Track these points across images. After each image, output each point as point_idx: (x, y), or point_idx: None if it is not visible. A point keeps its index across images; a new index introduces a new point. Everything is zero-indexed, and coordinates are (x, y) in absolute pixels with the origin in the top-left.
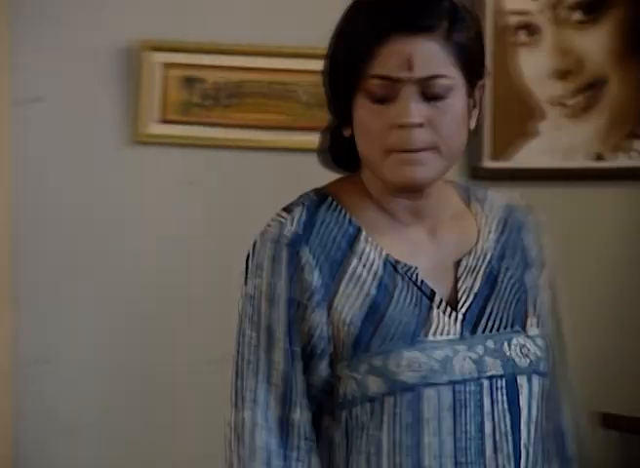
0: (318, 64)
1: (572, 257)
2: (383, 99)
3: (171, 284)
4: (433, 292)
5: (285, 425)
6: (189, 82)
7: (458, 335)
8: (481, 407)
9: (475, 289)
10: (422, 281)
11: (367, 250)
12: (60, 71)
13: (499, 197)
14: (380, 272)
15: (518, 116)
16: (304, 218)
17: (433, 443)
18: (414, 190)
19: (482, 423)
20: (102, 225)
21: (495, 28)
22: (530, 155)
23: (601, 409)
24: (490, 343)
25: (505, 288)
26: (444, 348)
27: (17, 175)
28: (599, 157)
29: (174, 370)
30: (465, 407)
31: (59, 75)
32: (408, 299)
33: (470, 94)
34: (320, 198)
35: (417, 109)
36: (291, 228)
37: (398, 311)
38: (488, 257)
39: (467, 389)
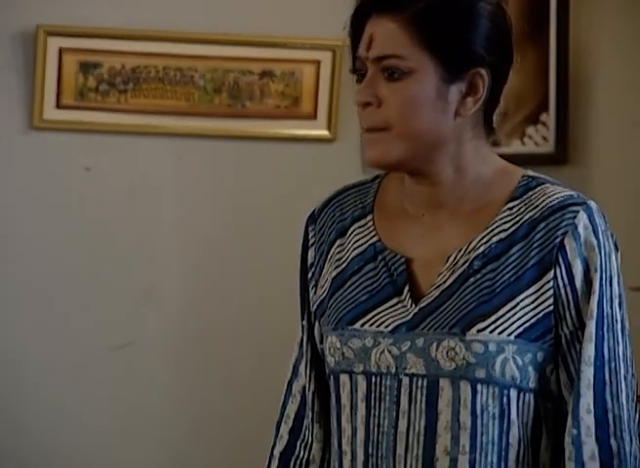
0: (216, 50)
1: None
2: (362, 79)
3: (65, 271)
4: (405, 284)
5: (288, 392)
6: (85, 67)
7: (390, 328)
8: (397, 403)
9: (446, 284)
10: (403, 272)
11: (359, 232)
12: None
13: (552, 195)
14: (358, 255)
15: None
16: (330, 196)
17: (347, 429)
18: (387, 170)
19: (397, 420)
20: None
21: None
22: None
23: None
24: (419, 341)
25: (474, 288)
26: (365, 338)
27: None
28: (494, 143)
29: (73, 358)
30: (380, 400)
31: None
32: (367, 286)
33: (450, 80)
34: (372, 179)
35: (365, 88)
36: (319, 205)
37: (348, 296)
38: (474, 254)
39: (384, 382)
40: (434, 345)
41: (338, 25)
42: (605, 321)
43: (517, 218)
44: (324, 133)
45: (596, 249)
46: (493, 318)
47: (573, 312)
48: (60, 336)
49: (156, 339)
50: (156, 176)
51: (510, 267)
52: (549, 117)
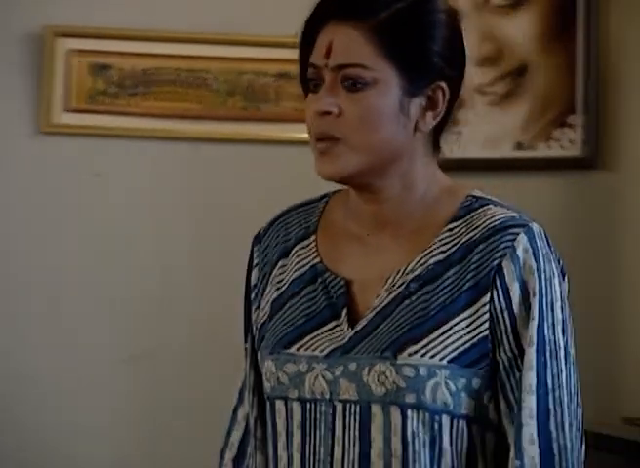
0: (230, 50)
1: None
2: (316, 89)
3: (74, 278)
4: (344, 307)
5: (234, 419)
6: (95, 69)
7: (325, 352)
8: (332, 430)
9: (381, 307)
10: (342, 294)
11: (302, 253)
12: None
13: (493, 216)
14: (299, 277)
15: None
16: (276, 215)
17: (283, 457)
18: (340, 182)
19: (332, 447)
20: (3, 225)
21: None
22: (451, 145)
23: None
24: (352, 366)
25: (409, 310)
26: (300, 363)
27: None
28: (520, 146)
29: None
30: (316, 427)
31: None
32: (306, 309)
33: (412, 94)
34: (320, 197)
35: (325, 97)
36: (265, 224)
37: (286, 319)
38: (411, 276)
39: (319, 409)
40: (366, 370)
41: None
42: (547, 347)
43: (456, 240)
44: None
45: (535, 273)
46: (425, 341)
47: (511, 338)
48: (72, 345)
49: (175, 348)
50: (168, 182)
51: (446, 290)
52: (577, 119)
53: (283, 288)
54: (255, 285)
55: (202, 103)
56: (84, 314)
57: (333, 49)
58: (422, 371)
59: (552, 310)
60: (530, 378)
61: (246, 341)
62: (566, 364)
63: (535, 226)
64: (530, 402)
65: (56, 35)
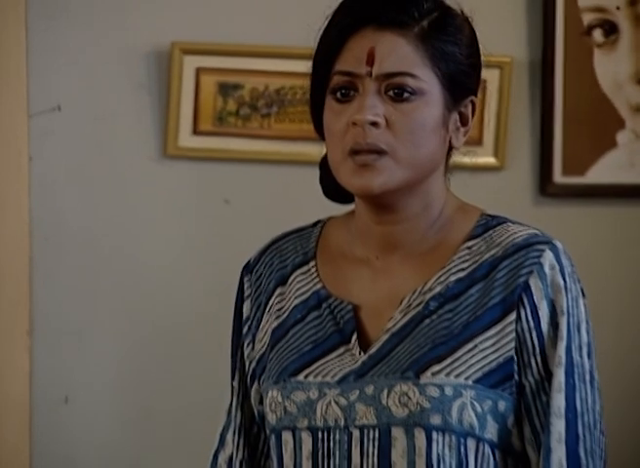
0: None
1: None
2: (347, 98)
3: (201, 309)
4: (353, 332)
5: (214, 463)
6: (224, 88)
7: (337, 378)
8: (349, 458)
9: (397, 327)
10: (350, 319)
11: (302, 280)
12: (82, 77)
13: (515, 233)
14: (301, 303)
15: (593, 126)
16: (267, 243)
17: None
18: (372, 198)
19: None
20: (127, 250)
21: (565, 28)
22: (606, 169)
23: None
24: (369, 389)
25: (430, 329)
26: (310, 390)
27: (34, 192)
28: None
29: (197, 409)
30: (329, 457)
31: (79, 82)
32: (312, 335)
33: (451, 107)
34: (313, 224)
35: (373, 107)
36: (255, 254)
37: (290, 346)
38: (430, 295)
39: (333, 437)
40: (385, 391)
41: (505, 41)
42: (575, 369)
43: (477, 257)
44: (491, 160)
45: (563, 291)
46: (449, 360)
47: (538, 359)
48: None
49: None
50: (304, 209)
51: (470, 307)
52: None
53: (284, 316)
54: (248, 317)
55: None
56: (212, 347)
57: (377, 56)
58: (448, 391)
59: (579, 331)
60: (559, 401)
61: (233, 379)
62: (592, 389)
63: (558, 243)
64: (559, 426)
65: (183, 52)
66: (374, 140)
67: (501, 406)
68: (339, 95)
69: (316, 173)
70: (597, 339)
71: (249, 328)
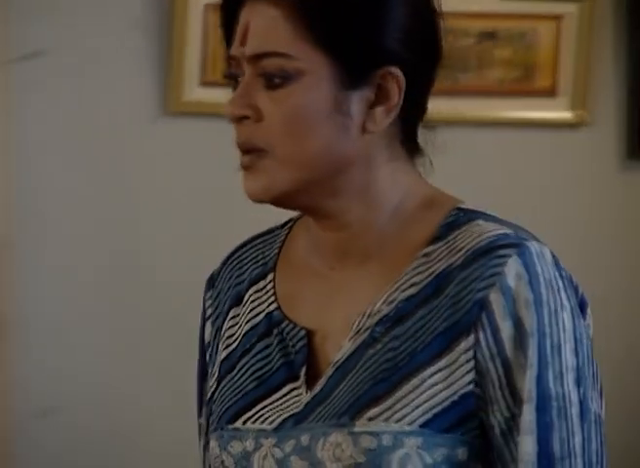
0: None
1: None
2: (237, 85)
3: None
4: (302, 365)
5: None
6: None
7: (275, 424)
8: None
9: (342, 360)
10: (302, 348)
11: (257, 298)
12: (72, 20)
13: (479, 235)
14: (251, 329)
15: None
16: (231, 251)
17: None
18: (276, 205)
19: None
20: (123, 226)
21: None
22: None
23: None
24: (305, 438)
25: (373, 362)
26: (247, 440)
27: (18, 156)
28: None
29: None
30: None
31: (69, 24)
32: (258, 370)
33: (350, 85)
34: (282, 224)
35: (241, 97)
36: (218, 265)
37: (235, 384)
38: (376, 319)
39: None
40: (320, 442)
41: None
42: (552, 403)
43: (434, 268)
44: (567, 115)
45: (532, 306)
46: (390, 401)
47: (506, 392)
48: None
49: None
50: None
51: (418, 333)
52: None
53: (233, 345)
54: (209, 343)
55: None
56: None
57: (248, 34)
58: (386, 441)
59: (559, 354)
60: (527, 445)
61: (200, 416)
62: (582, 424)
63: (533, 245)
64: None
65: None
66: (247, 138)
67: (462, 453)
68: (232, 82)
69: None
70: None
71: (210, 355)
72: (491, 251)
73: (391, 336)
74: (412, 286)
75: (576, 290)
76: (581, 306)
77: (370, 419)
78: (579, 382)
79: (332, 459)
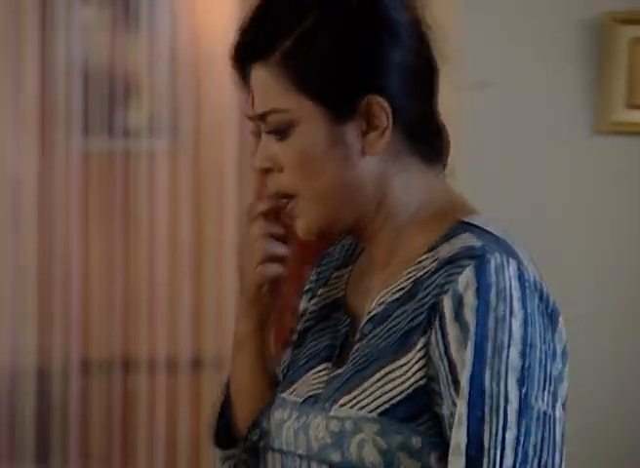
0: None
1: None
2: None
3: None
4: (337, 348)
5: None
6: None
7: (301, 400)
8: None
9: (351, 352)
10: (344, 333)
11: (334, 283)
12: (513, 52)
13: (455, 245)
14: (323, 308)
15: None
16: (339, 241)
17: None
18: (325, 238)
19: None
20: (550, 230)
21: None
22: None
23: None
24: (308, 417)
25: (358, 355)
26: (285, 410)
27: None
28: None
29: None
30: None
31: (511, 56)
32: (312, 347)
33: (340, 119)
34: None
35: (262, 150)
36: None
37: (295, 357)
38: (367, 318)
39: (292, 464)
40: (313, 422)
41: None
42: (486, 400)
43: (418, 275)
44: None
45: (476, 312)
46: (357, 391)
47: (452, 389)
48: None
49: None
50: None
51: (390, 331)
52: None
53: (309, 322)
54: (301, 314)
55: None
56: None
57: (254, 97)
58: (348, 426)
59: (500, 356)
60: (458, 437)
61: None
62: (519, 420)
63: (495, 258)
64: (458, 466)
65: (616, 22)
66: (278, 188)
67: (416, 442)
68: (258, 138)
69: None
70: None
71: (298, 325)
72: (455, 261)
73: (374, 334)
74: (399, 290)
75: (545, 301)
76: (552, 315)
77: (341, 406)
78: (522, 382)
79: (315, 439)
